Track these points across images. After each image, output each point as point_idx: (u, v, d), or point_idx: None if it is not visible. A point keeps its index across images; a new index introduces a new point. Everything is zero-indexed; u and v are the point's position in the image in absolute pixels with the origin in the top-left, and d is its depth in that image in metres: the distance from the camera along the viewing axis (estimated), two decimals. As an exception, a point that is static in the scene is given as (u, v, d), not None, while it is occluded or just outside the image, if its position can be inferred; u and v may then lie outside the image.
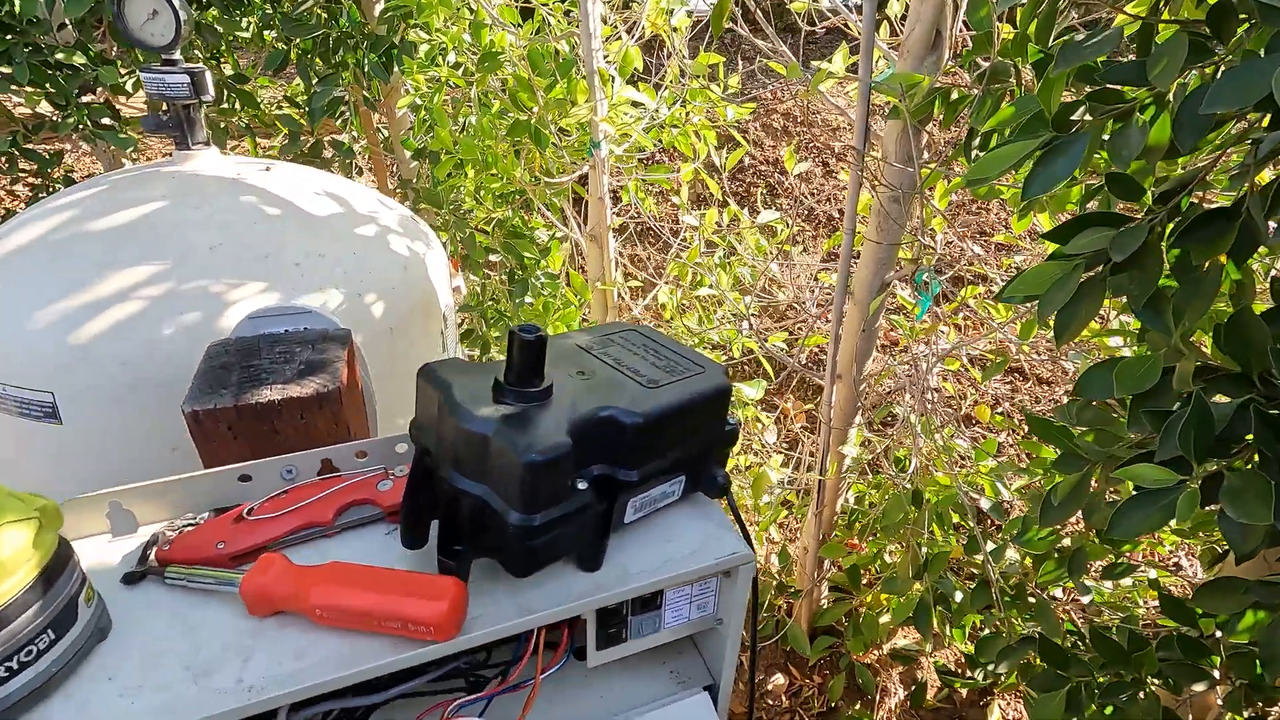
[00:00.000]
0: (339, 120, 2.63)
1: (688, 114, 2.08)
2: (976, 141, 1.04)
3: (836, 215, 3.56)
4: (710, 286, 1.90)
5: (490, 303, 2.49)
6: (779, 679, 2.27)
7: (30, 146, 2.30)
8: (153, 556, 0.56)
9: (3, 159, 2.33)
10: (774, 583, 2.23)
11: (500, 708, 0.67)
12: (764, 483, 1.81)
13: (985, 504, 1.85)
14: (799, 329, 2.70)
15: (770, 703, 2.22)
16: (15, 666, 0.44)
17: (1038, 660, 1.52)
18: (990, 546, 1.74)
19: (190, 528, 0.58)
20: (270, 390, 0.68)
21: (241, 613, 0.53)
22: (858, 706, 2.17)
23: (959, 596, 1.85)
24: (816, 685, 2.25)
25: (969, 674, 2.00)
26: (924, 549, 1.88)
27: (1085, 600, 1.78)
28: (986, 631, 1.85)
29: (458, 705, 0.62)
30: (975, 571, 1.95)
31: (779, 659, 2.30)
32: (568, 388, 0.56)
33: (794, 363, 1.76)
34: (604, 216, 1.95)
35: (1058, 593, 2.33)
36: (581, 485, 0.52)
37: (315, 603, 0.50)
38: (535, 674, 0.62)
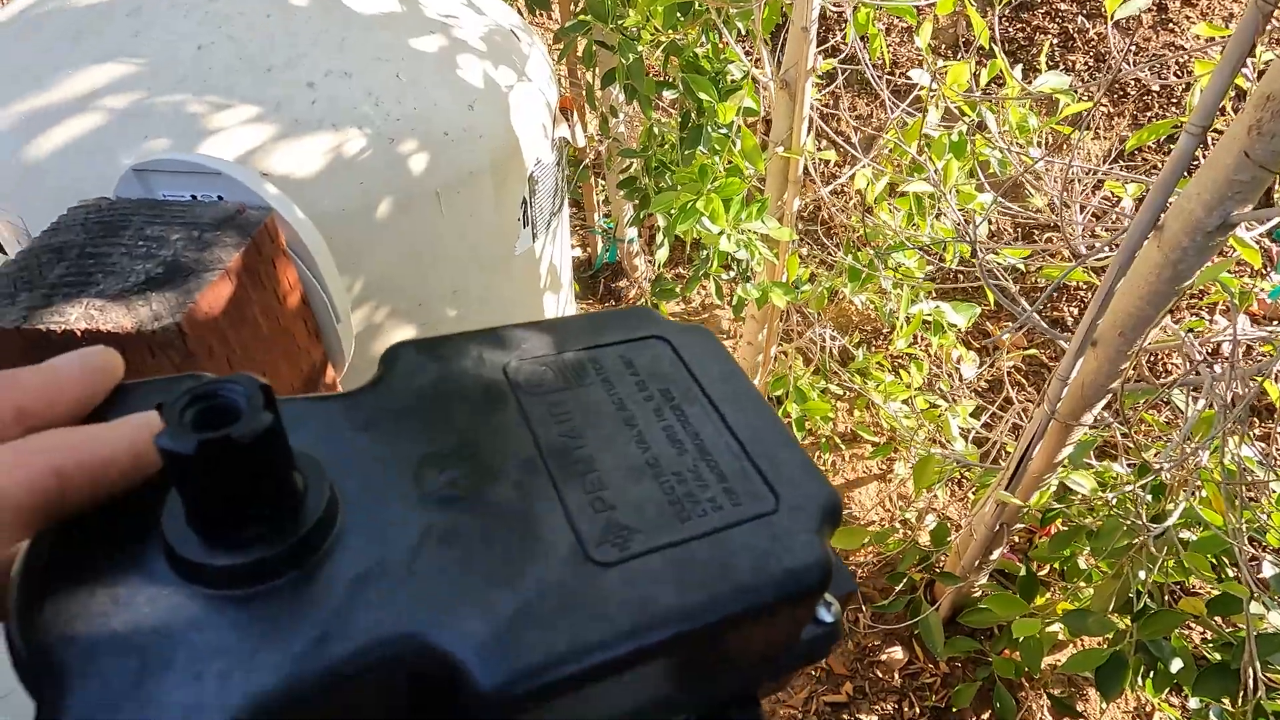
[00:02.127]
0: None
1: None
2: None
3: (1158, 92, 2.53)
4: (928, 179, 1.35)
5: (657, 149, 2.09)
6: (898, 653, 1.95)
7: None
8: None
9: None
10: (918, 556, 1.83)
11: None
12: (930, 470, 1.37)
13: (1270, 570, 1.28)
14: (1053, 252, 2.00)
15: (879, 675, 1.93)
16: None
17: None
18: (1256, 609, 1.22)
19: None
20: (79, 308, 0.41)
21: None
22: (985, 717, 1.80)
23: (1178, 666, 1.36)
24: (941, 675, 1.90)
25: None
26: (1143, 592, 1.37)
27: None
28: (1206, 711, 1.37)
29: None
30: (1211, 638, 1.40)
31: (905, 631, 1.96)
32: (382, 527, 0.22)
33: (1028, 312, 1.22)
34: (805, 55, 1.41)
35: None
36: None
37: None
38: None
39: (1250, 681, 1.09)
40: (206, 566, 0.19)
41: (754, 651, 0.25)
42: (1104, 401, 1.26)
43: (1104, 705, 1.73)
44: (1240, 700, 1.17)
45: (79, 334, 0.41)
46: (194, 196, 0.53)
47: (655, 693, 0.24)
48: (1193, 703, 1.53)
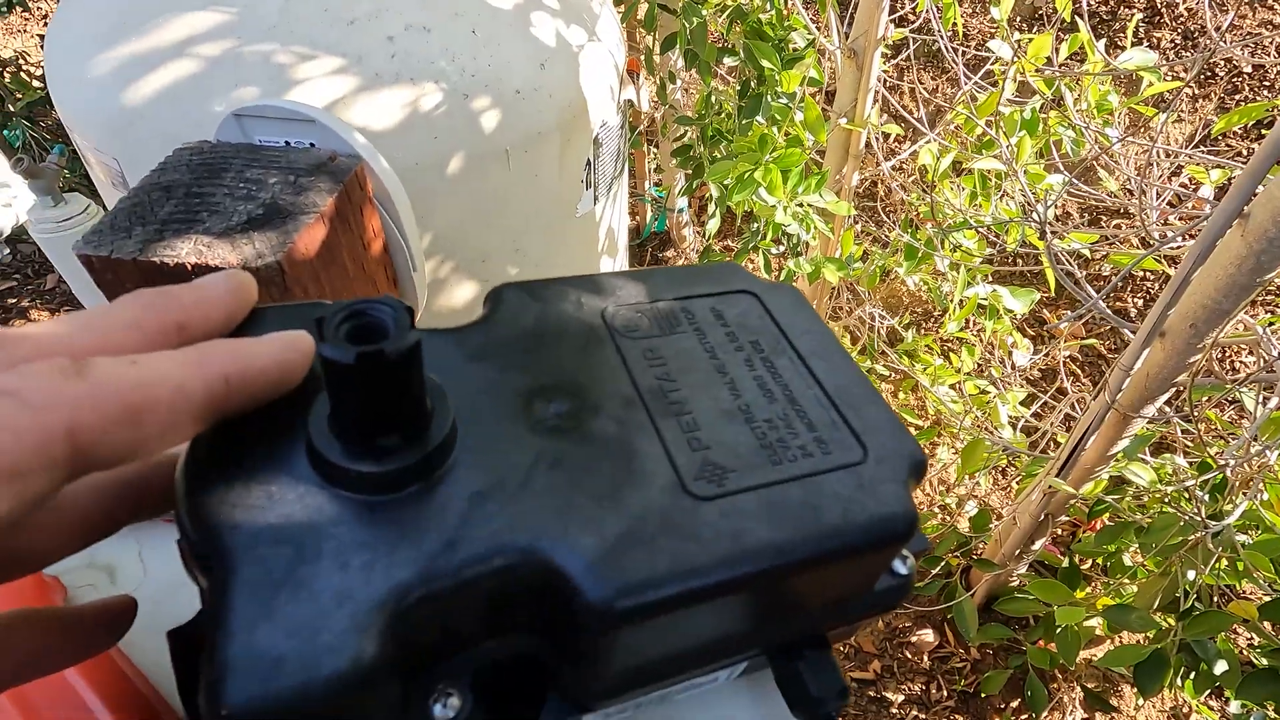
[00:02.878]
0: None
1: None
2: None
3: (1249, 74, 2.38)
4: (998, 155, 1.30)
5: (714, 117, 2.06)
6: (928, 635, 1.95)
7: None
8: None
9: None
10: (957, 540, 1.81)
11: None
12: (979, 455, 1.35)
13: (1331, 578, 1.24)
14: (1122, 238, 1.92)
15: (908, 656, 1.93)
16: None
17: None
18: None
19: None
20: (188, 243, 0.44)
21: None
22: (1015, 705, 1.80)
23: (1222, 668, 1.33)
24: (971, 660, 1.90)
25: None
26: (1192, 591, 1.34)
27: None
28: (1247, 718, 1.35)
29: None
30: (1260, 644, 1.37)
31: (937, 615, 1.96)
32: (497, 449, 0.24)
33: (1094, 299, 1.18)
34: (876, 22, 1.37)
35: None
36: (442, 712, 0.22)
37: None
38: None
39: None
40: (349, 471, 0.21)
41: (832, 593, 0.26)
42: (1166, 395, 1.22)
43: (1139, 702, 1.71)
44: None
45: (189, 267, 0.43)
46: (287, 143, 0.55)
47: (738, 624, 0.25)
48: (1233, 707, 1.51)
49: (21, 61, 2.98)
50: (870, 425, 0.27)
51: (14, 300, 2.98)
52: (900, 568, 0.29)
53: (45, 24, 3.33)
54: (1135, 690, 1.73)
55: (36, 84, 2.71)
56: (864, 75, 1.46)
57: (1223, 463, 1.10)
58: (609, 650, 0.23)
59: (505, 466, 0.23)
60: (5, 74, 2.69)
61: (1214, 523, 1.14)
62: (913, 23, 1.51)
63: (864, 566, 0.26)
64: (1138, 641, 1.37)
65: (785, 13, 1.86)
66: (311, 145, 0.54)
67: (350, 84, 0.73)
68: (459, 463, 0.23)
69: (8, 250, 2.47)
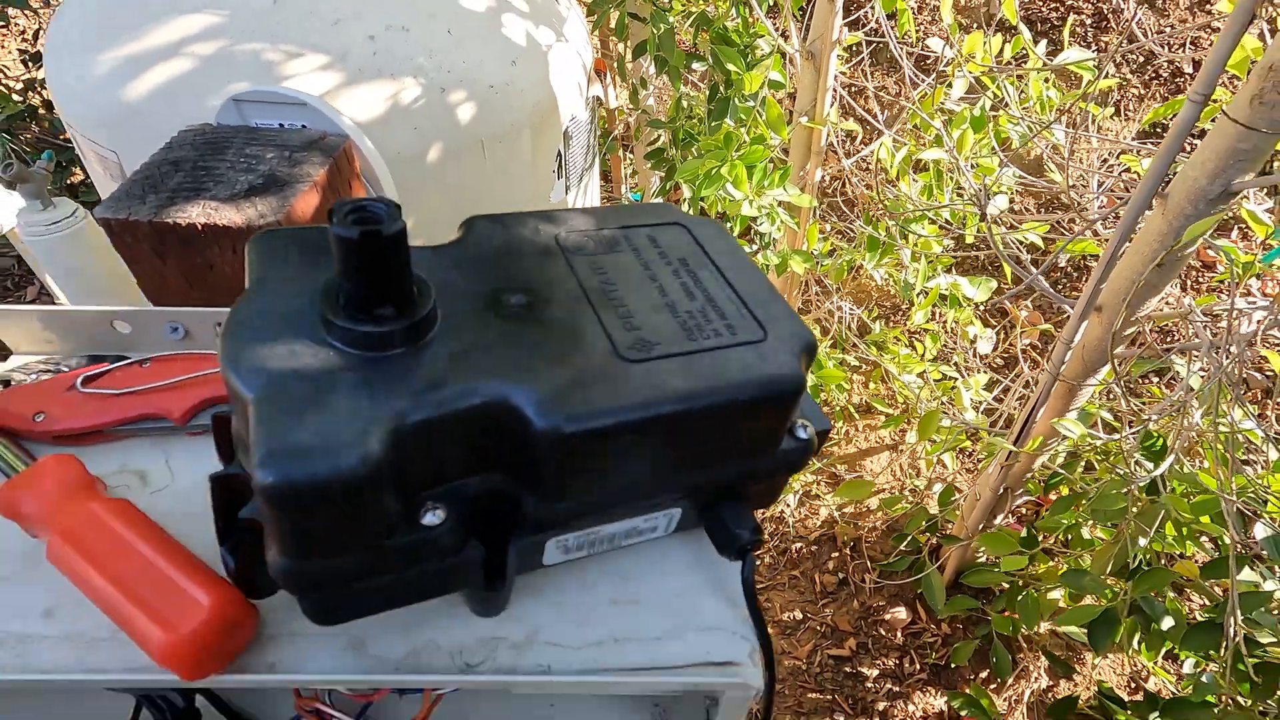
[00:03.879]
0: None
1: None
2: None
3: (1190, 75, 2.52)
4: (945, 149, 1.39)
5: (685, 120, 2.15)
6: (901, 613, 2.02)
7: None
8: (-29, 409, 0.43)
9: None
10: (925, 519, 1.89)
11: None
12: (932, 425, 1.43)
13: (1262, 530, 1.32)
14: (1068, 227, 2.03)
15: (882, 633, 2.00)
16: None
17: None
18: (1245, 574, 1.27)
19: (49, 375, 0.45)
20: (198, 207, 0.50)
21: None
22: (984, 675, 1.87)
23: (1169, 624, 1.41)
24: (942, 635, 1.97)
25: (1146, 716, 1.59)
26: (1140, 555, 1.42)
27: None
28: (1196, 698, 1.43)
29: None
30: (1207, 602, 1.46)
31: (909, 593, 2.03)
32: (468, 326, 0.30)
33: (1033, 274, 1.27)
34: (830, 25, 1.46)
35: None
36: (431, 519, 0.28)
37: (55, 553, 0.34)
38: None
39: (1231, 631, 1.15)
40: (352, 331, 0.28)
41: (742, 442, 0.33)
42: (1105, 368, 1.31)
43: (1097, 663, 1.79)
44: (1222, 650, 1.22)
45: (200, 227, 0.49)
46: (281, 125, 0.61)
47: (667, 465, 0.32)
48: (1187, 667, 1.59)
49: (1, 75, 3.01)
50: (771, 316, 0.34)
51: None
52: (801, 433, 0.35)
53: (24, 39, 3.35)
54: (1094, 655, 1.81)
55: (15, 98, 2.73)
56: (821, 76, 1.55)
57: (1150, 418, 1.19)
58: (560, 474, 0.29)
59: (476, 338, 0.30)
60: (-15, 89, 2.71)
61: (1148, 469, 1.22)
62: (866, 25, 1.61)
63: (763, 419, 0.33)
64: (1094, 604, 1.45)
65: (750, 20, 1.96)
66: (303, 126, 0.61)
67: (335, 79, 0.80)
68: (438, 336, 0.30)
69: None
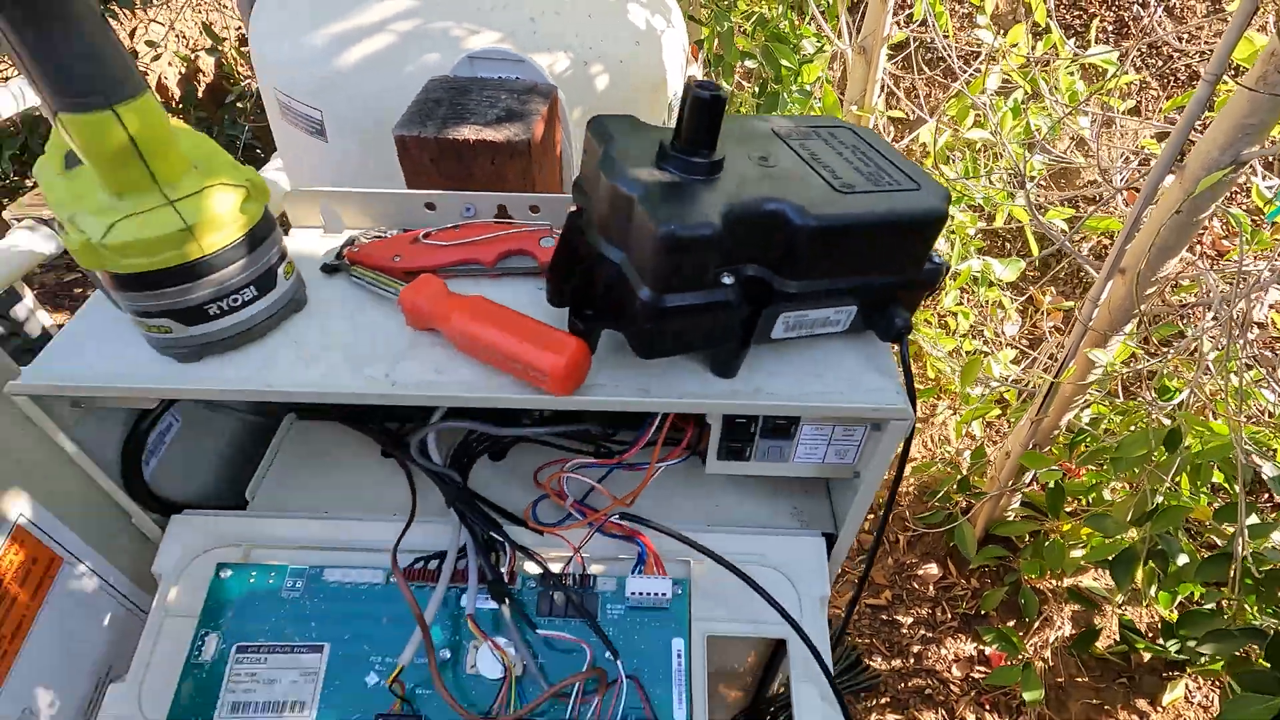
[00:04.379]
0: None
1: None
2: None
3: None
4: (990, 130, 1.57)
5: (738, 111, 2.33)
6: (933, 568, 2.18)
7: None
8: (344, 255, 0.62)
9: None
10: (957, 477, 2.05)
11: (618, 482, 0.69)
12: (975, 370, 1.60)
13: (1269, 470, 1.48)
14: (1090, 209, 2.20)
15: (915, 586, 2.16)
16: (224, 309, 0.52)
17: (1261, 658, 1.27)
18: (1252, 519, 1.42)
19: (379, 238, 0.63)
20: (468, 129, 0.68)
21: (401, 324, 0.57)
22: (1011, 624, 2.03)
23: (1183, 560, 1.57)
24: (971, 589, 2.13)
25: (1159, 641, 1.74)
26: (1159, 497, 1.58)
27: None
28: (1208, 606, 1.58)
29: (576, 464, 0.65)
30: (1217, 541, 1.61)
31: (939, 550, 2.19)
32: (741, 170, 0.49)
33: (1066, 243, 1.44)
34: (882, 24, 1.64)
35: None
36: (727, 279, 0.47)
37: (456, 326, 0.52)
38: (651, 460, 0.62)
39: (1239, 551, 1.31)
40: (687, 161, 0.46)
41: (905, 254, 0.51)
42: (1130, 325, 1.48)
43: (1119, 602, 1.93)
44: (1233, 589, 1.36)
45: (471, 142, 0.67)
46: (500, 77, 0.80)
47: (857, 261, 0.50)
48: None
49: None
50: (920, 176, 0.52)
51: (80, 291, 3.22)
52: (936, 259, 0.53)
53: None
54: (1114, 606, 1.96)
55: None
56: (871, 69, 1.73)
57: (1167, 352, 1.35)
58: (804, 257, 0.47)
59: (746, 176, 0.48)
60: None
61: (1165, 404, 1.38)
62: (913, 23, 1.79)
63: (920, 239, 0.50)
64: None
65: (797, 23, 2.15)
66: (516, 78, 0.79)
67: (509, 51, 0.98)
68: (725, 174, 0.48)
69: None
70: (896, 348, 0.54)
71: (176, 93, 3.12)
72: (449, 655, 0.58)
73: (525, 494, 0.69)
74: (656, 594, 0.58)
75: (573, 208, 0.52)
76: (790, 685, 0.60)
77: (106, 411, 0.61)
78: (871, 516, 2.09)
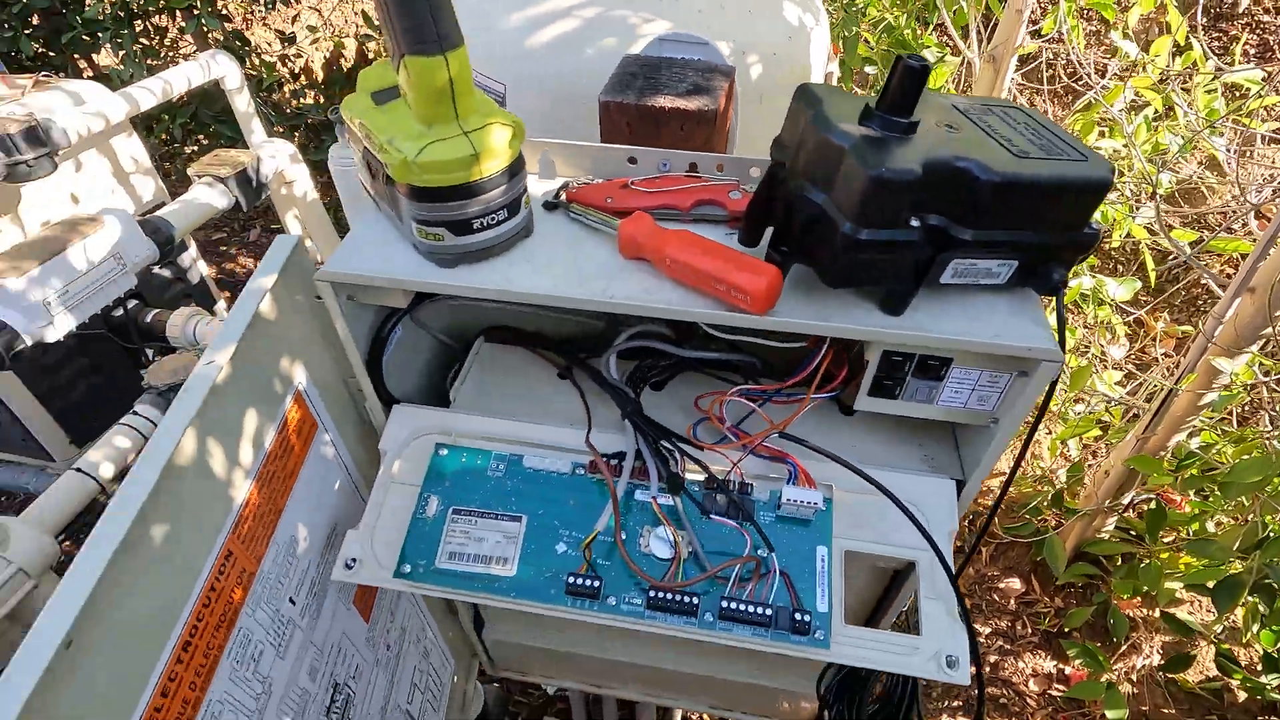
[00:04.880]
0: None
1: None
2: None
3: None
4: (1124, 141, 1.58)
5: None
6: (1015, 583, 2.17)
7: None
8: (563, 195, 0.74)
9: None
10: (1051, 492, 2.04)
11: (769, 413, 0.78)
12: (1085, 378, 1.60)
13: (1398, 507, 1.43)
14: (1216, 230, 2.13)
15: (996, 599, 2.15)
16: (485, 224, 0.64)
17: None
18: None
19: (589, 183, 0.75)
20: (663, 99, 0.79)
21: (614, 252, 0.69)
22: (1096, 644, 1.99)
23: (1292, 595, 1.53)
24: (1055, 607, 2.10)
25: (1262, 678, 1.69)
26: (1270, 528, 1.55)
27: None
28: None
29: (738, 390, 0.75)
30: (1334, 579, 1.55)
31: (1024, 565, 2.17)
32: (931, 133, 0.57)
33: (1193, 259, 1.43)
34: (1015, 35, 1.67)
35: None
36: (914, 223, 0.55)
37: (668, 253, 0.63)
38: (809, 391, 0.71)
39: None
40: (892, 121, 0.55)
41: (1068, 216, 0.58)
42: (1256, 346, 1.46)
43: (1217, 637, 1.87)
44: None
45: (667, 109, 0.78)
46: (683, 58, 0.91)
47: (1027, 217, 0.57)
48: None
49: (264, 50, 3.62)
50: (1086, 150, 0.59)
51: (225, 249, 3.56)
52: (1094, 225, 0.60)
53: (281, 22, 4.00)
54: (1210, 638, 1.90)
55: (278, 69, 3.30)
56: (999, 77, 1.76)
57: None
58: (984, 209, 0.55)
59: (937, 139, 0.57)
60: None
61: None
62: (1043, 36, 1.81)
63: (1083, 204, 0.58)
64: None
65: (920, 32, 2.19)
66: (698, 59, 0.90)
67: (694, 36, 1.09)
68: (919, 136, 0.57)
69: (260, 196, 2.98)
70: (1049, 303, 0.62)
71: (320, 75, 3.41)
72: (624, 537, 0.69)
73: (683, 419, 0.79)
74: (808, 503, 0.67)
75: (755, 171, 0.62)
76: (918, 603, 0.68)
77: (361, 310, 0.75)
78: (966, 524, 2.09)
